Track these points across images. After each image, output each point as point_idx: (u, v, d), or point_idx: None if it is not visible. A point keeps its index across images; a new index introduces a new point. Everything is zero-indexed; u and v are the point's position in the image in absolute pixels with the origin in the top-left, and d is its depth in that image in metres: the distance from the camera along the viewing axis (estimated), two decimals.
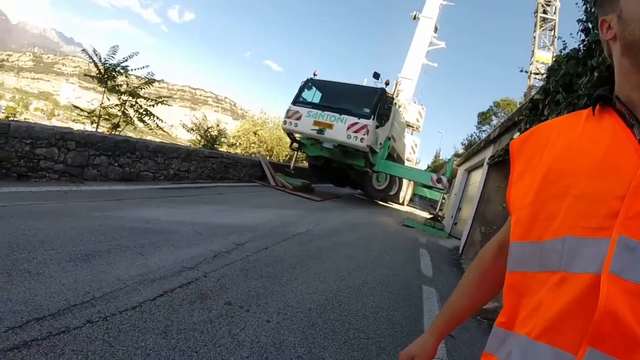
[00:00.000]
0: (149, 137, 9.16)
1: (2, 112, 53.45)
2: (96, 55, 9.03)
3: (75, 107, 10.27)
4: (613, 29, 0.81)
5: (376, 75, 12.91)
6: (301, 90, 12.93)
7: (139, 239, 3.81)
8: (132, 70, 9.44)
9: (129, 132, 9.37)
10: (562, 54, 4.47)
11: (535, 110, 5.03)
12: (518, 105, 15.84)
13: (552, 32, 25.45)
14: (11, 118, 9.95)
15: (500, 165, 7.97)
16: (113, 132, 9.24)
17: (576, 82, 3.81)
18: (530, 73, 18.35)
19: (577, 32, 4.05)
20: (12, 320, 2.01)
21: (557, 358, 0.64)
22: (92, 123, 9.64)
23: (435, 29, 23.92)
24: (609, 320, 0.59)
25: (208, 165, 9.74)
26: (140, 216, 4.68)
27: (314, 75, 13.26)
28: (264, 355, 2.34)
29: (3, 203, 3.97)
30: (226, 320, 2.63)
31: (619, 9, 0.79)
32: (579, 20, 4.00)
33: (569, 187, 0.70)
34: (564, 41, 4.58)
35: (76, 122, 10.36)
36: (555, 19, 25.82)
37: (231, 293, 3.11)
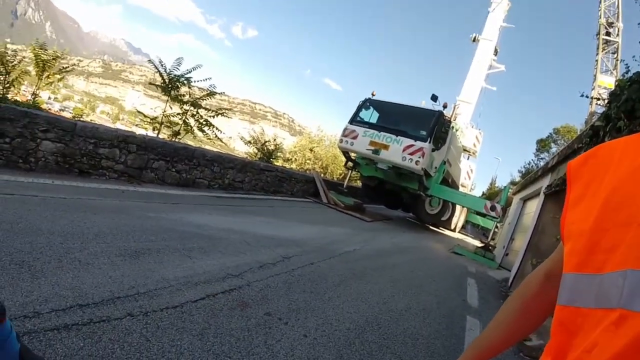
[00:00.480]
0: (207, 147, 9.46)
1: (70, 113, 57.26)
2: (162, 65, 9.51)
3: (139, 112, 10.84)
4: None
5: (434, 98, 12.71)
6: (359, 109, 12.93)
7: (188, 242, 3.89)
8: (195, 81, 9.86)
9: (188, 141, 9.74)
10: (624, 78, 4.19)
11: (595, 137, 4.74)
12: (578, 132, 15.07)
13: (615, 55, 24.02)
14: (78, 118, 10.60)
15: (557, 195, 7.56)
16: (173, 139, 9.63)
17: (639, 108, 3.55)
18: (592, 99, 17.43)
19: None
20: (57, 303, 2.09)
21: None
22: (154, 129, 10.11)
23: (496, 51, 23.36)
24: None
25: (262, 178, 9.91)
26: (191, 221, 4.79)
27: (372, 95, 13.25)
28: None
29: (64, 195, 4.21)
30: (263, 330, 2.60)
31: None
32: None
33: (634, 215, 0.61)
34: (627, 64, 4.32)
35: (139, 127, 10.91)
36: (618, 41, 24.31)
37: (272, 304, 3.08)
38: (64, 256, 2.68)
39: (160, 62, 9.56)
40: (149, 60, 9.99)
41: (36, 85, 10.74)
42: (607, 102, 4.53)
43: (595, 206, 0.68)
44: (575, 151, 6.54)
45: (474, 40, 23.36)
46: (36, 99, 10.93)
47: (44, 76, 10.59)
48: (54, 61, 10.71)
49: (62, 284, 2.31)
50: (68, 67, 11.80)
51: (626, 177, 0.67)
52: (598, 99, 19.99)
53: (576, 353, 0.63)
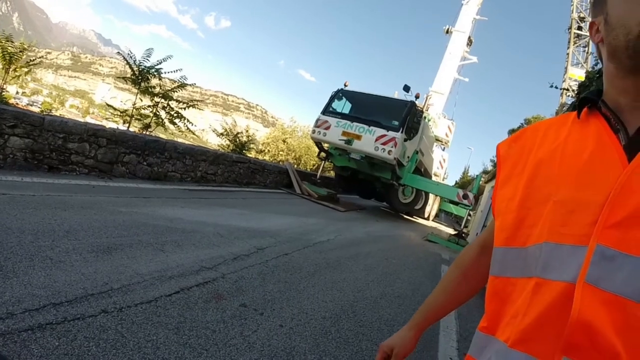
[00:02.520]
0: (179, 139, 9.35)
1: (39, 107, 55.56)
2: (131, 57, 9.31)
3: (109, 106, 10.63)
4: (600, 32, 0.79)
5: (406, 88, 12.82)
6: (331, 100, 12.94)
7: (161, 236, 3.87)
8: (165, 73, 9.70)
9: (159, 134, 9.60)
10: (593, 70, 4.35)
11: None
12: None
13: (586, 48, 24.71)
14: (46, 113, 10.35)
15: None
16: (144, 132, 9.48)
17: None
18: (563, 90, 17.88)
19: None
20: (30, 303, 2.07)
21: None
22: (124, 122, 9.93)
23: (470, 42, 23.62)
24: (582, 331, 0.58)
25: (235, 170, 9.85)
26: (164, 215, 4.76)
27: (345, 86, 13.27)
28: (274, 358, 2.33)
29: (33, 192, 4.12)
30: (239, 321, 2.63)
31: (606, 12, 0.77)
32: None
33: (551, 193, 0.69)
34: (597, 57, 4.47)
35: (109, 121, 10.70)
36: (589, 36, 25.08)
37: (247, 295, 3.11)
38: (35, 255, 2.64)
39: (130, 53, 9.36)
40: (118, 52, 9.77)
41: (2, 79, 10.39)
42: (577, 94, 4.67)
43: (520, 185, 0.77)
44: None
45: (447, 32, 23.54)
46: (3, 93, 10.57)
47: (10, 69, 10.27)
48: (21, 54, 10.40)
49: (34, 283, 2.28)
50: (36, 59, 11.44)
51: (546, 158, 0.76)
52: (568, 90, 20.50)
53: (506, 319, 0.72)
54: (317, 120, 12.53)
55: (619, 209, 0.60)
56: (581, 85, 4.62)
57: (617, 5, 0.74)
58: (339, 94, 13.10)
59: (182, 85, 10.19)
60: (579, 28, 25.24)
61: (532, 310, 0.65)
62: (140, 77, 9.37)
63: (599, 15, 0.79)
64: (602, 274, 0.59)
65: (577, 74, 23.81)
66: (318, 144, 13.36)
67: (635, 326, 0.57)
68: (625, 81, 0.72)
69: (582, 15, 25.17)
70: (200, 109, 11.20)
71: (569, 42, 25.56)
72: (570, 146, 0.73)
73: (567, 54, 25.52)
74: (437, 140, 19.10)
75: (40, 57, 11.88)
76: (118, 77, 10.63)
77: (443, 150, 20.84)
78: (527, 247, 0.71)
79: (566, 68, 25.25)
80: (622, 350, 0.57)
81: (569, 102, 13.35)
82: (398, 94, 13.46)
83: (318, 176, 14.17)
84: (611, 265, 0.59)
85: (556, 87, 7.14)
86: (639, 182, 0.61)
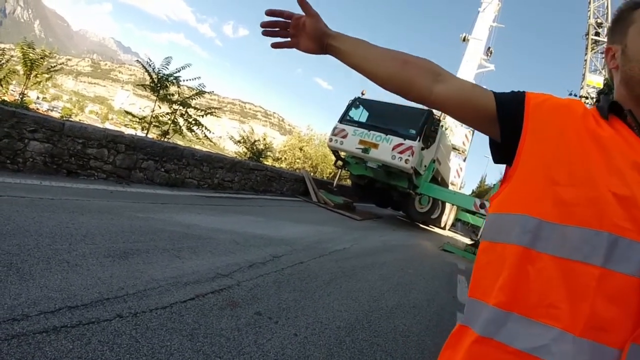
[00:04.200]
0: (196, 146, 9.42)
1: (59, 112, 56.79)
2: (150, 65, 9.45)
3: (128, 112, 10.80)
4: (617, 59, 0.88)
5: None
6: (348, 108, 12.94)
7: (178, 242, 3.89)
8: (184, 81, 9.83)
9: (177, 140, 9.70)
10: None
11: None
12: None
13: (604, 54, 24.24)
14: (66, 118, 10.56)
15: None
16: (162, 139, 9.58)
17: None
18: (581, 97, 17.61)
19: None
20: (45, 305, 2.08)
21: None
22: (142, 129, 10.06)
23: (490, 52, 23.44)
24: None
25: (252, 177, 9.89)
26: (181, 221, 4.78)
27: (362, 94, 13.27)
28: None
29: (51, 196, 4.17)
30: (254, 329, 2.61)
31: (625, 42, 0.85)
32: None
33: (604, 184, 0.69)
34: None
35: (128, 127, 10.88)
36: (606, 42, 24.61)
37: (262, 303, 3.09)
38: (52, 258, 2.66)
39: (149, 61, 9.51)
40: (137, 61, 9.93)
41: (24, 85, 10.64)
42: (595, 101, 4.60)
43: (575, 161, 0.74)
44: None
45: (463, 40, 23.42)
46: (24, 98, 10.83)
47: (32, 75, 10.51)
48: (42, 60, 10.65)
49: (50, 286, 2.30)
50: (56, 66, 11.70)
51: (590, 145, 0.75)
52: (586, 98, 20.24)
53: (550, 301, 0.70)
54: (334, 128, 12.54)
55: None
56: (600, 93, 4.54)
57: (636, 41, 0.82)
58: (356, 103, 13.10)
59: (200, 93, 10.30)
60: (597, 34, 24.82)
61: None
62: (159, 84, 9.50)
63: (617, 43, 0.88)
64: None
65: (595, 81, 23.35)
66: (335, 152, 13.35)
67: None
68: (635, 108, 0.80)
69: (599, 20, 24.76)
70: (217, 117, 11.30)
71: (586, 48, 25.15)
72: (612, 143, 0.74)
73: (585, 60, 25.08)
74: (454, 148, 18.93)
75: (60, 64, 12.16)
76: (137, 85, 10.80)
77: (463, 160, 20.64)
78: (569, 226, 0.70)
79: (584, 75, 24.80)
80: None
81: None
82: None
83: (334, 184, 14.16)
84: None
85: (575, 95, 7.02)
86: None
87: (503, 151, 0.88)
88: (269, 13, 1.05)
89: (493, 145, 0.93)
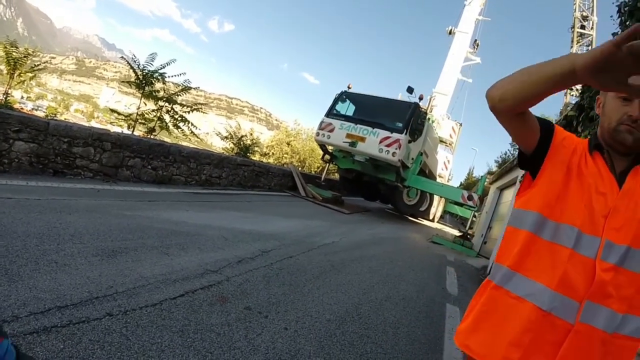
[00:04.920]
0: (183, 143, 9.37)
1: (44, 112, 55.93)
2: (135, 61, 9.35)
3: (113, 110, 10.68)
4: (600, 108, 1.19)
5: (410, 90, 12.81)
6: (335, 102, 12.96)
7: (166, 239, 3.88)
8: (169, 77, 9.73)
9: (164, 137, 9.63)
10: None
11: (569, 127, 4.92)
12: (553, 122, 15.44)
13: (590, 47, 24.43)
14: (51, 117, 10.43)
15: None
16: (148, 136, 9.51)
17: None
18: (567, 90, 17.72)
19: None
20: (35, 306, 2.08)
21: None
22: (129, 127, 9.96)
23: (477, 45, 23.56)
24: (599, 286, 1.05)
25: (239, 173, 9.87)
26: (169, 218, 4.77)
27: (349, 88, 13.29)
28: None
29: (38, 196, 4.13)
30: (244, 324, 2.63)
31: (605, 99, 1.15)
32: (614, 34, 3.86)
33: (584, 199, 1.11)
34: None
35: (114, 125, 10.77)
36: (592, 35, 24.81)
37: (251, 298, 3.11)
38: (41, 258, 2.65)
39: (134, 58, 9.40)
40: (122, 57, 9.82)
41: (8, 84, 10.47)
42: (580, 93, 4.67)
43: (572, 181, 1.14)
44: None
45: (450, 33, 23.49)
46: (8, 98, 10.65)
47: (15, 74, 10.34)
48: (25, 59, 10.47)
49: (39, 286, 2.29)
50: (40, 64, 11.52)
51: (583, 171, 1.15)
52: (572, 90, 20.47)
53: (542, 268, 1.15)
54: (321, 122, 12.55)
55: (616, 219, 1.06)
56: (584, 85, 4.61)
57: (610, 102, 1.12)
58: (342, 96, 13.12)
59: (186, 89, 10.22)
60: (582, 27, 25.03)
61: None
62: (144, 81, 9.40)
63: (603, 96, 1.18)
64: (607, 255, 1.04)
65: None
66: (322, 146, 13.38)
67: (622, 281, 1.02)
68: (609, 148, 1.15)
69: (584, 14, 24.96)
70: (204, 113, 11.22)
71: (572, 41, 25.37)
72: (590, 177, 1.12)
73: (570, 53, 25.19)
74: (442, 141, 19.07)
75: (44, 62, 11.98)
76: (122, 82, 10.68)
77: (451, 153, 20.78)
78: (560, 223, 1.10)
79: None
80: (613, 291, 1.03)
81: (573, 102, 13.29)
82: (402, 95, 13.46)
83: (322, 179, 14.19)
84: (610, 250, 1.04)
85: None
86: (623, 205, 1.06)
87: (529, 163, 1.22)
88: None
89: (521, 155, 1.26)
